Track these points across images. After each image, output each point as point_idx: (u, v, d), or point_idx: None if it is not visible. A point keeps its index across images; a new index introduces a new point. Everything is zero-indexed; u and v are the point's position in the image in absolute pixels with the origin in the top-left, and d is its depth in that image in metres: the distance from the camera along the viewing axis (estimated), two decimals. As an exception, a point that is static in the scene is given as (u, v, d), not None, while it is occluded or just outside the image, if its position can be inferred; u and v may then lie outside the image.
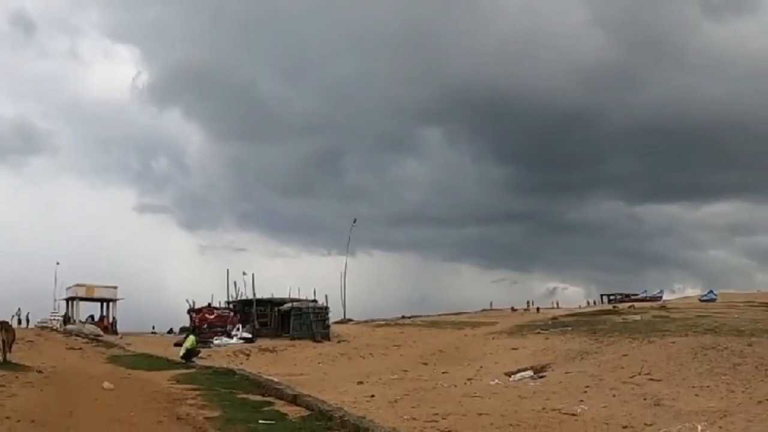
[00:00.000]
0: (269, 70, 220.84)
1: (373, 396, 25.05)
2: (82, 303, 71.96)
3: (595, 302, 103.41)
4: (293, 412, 18.07)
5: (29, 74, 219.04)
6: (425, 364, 40.34)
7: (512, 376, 30.88)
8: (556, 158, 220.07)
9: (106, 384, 23.66)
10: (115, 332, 64.11)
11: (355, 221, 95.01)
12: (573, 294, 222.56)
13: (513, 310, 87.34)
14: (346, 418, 15.79)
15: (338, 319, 71.74)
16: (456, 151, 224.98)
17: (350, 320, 76.93)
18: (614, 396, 23.12)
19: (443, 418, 19.42)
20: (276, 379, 26.76)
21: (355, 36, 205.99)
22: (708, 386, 23.08)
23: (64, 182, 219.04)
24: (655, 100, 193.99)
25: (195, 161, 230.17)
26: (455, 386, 28.44)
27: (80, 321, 67.29)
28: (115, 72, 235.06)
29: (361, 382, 31.04)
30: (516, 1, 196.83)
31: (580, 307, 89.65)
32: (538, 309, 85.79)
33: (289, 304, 58.82)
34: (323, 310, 59.44)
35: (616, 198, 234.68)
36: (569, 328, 44.25)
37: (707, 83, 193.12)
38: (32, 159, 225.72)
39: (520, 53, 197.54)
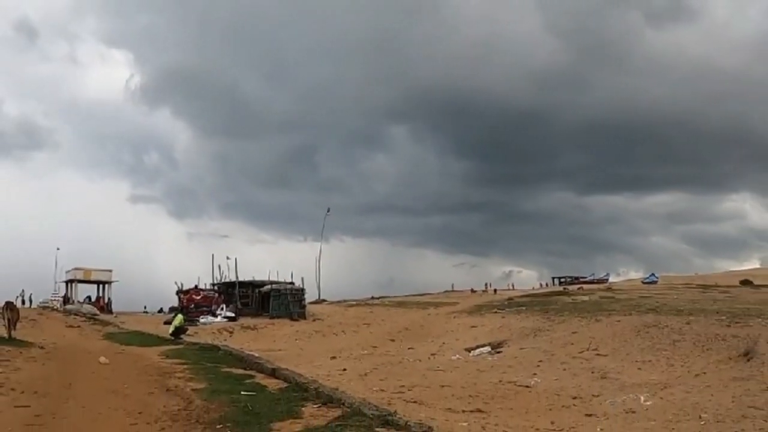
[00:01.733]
0: (250, 72, 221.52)
1: (345, 369, 25.00)
2: (80, 285, 71.73)
3: (547, 284, 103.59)
4: (272, 384, 17.97)
5: (32, 76, 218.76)
6: (393, 340, 40.36)
7: (472, 351, 30.87)
8: (511, 153, 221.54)
9: (102, 359, 23.50)
10: (110, 312, 63.69)
11: (328, 210, 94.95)
12: (527, 277, 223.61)
13: (472, 291, 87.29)
14: (320, 390, 15.70)
15: (313, 299, 71.62)
16: (420, 147, 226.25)
17: (324, 300, 76.81)
18: (565, 370, 23.18)
19: (409, 390, 19.39)
20: (257, 355, 26.66)
21: (328, 42, 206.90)
22: (650, 361, 23.17)
23: (64, 175, 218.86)
24: (602, 100, 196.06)
25: (183, 156, 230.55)
26: (420, 361, 28.44)
27: (78, 301, 66.91)
28: (111, 74, 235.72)
29: (334, 357, 30.99)
30: (475, 11, 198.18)
31: (533, 288, 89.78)
32: (495, 290, 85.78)
33: (269, 286, 58.82)
34: (300, 292, 59.45)
35: (566, 189, 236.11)
36: (524, 308, 44.30)
37: (649, 85, 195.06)
38: (35, 154, 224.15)
39: (479, 57, 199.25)
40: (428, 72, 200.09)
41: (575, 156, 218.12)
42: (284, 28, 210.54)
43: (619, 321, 31.34)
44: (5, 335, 28.31)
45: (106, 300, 70.02)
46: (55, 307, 62.70)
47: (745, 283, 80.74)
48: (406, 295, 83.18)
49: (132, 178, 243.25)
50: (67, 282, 72.11)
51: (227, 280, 62.24)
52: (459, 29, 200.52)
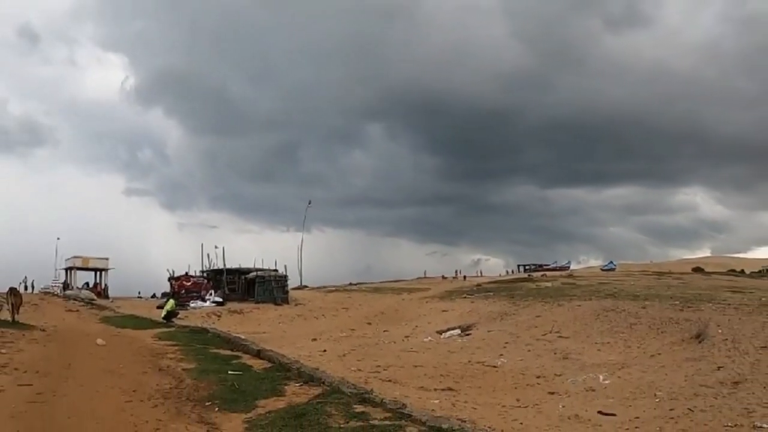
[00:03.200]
0: (237, 74, 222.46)
1: (325, 351, 24.98)
2: (78, 272, 71.45)
3: (513, 271, 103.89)
4: (257, 364, 17.96)
5: (34, 78, 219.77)
6: (369, 323, 40.34)
7: (443, 334, 30.87)
8: (479, 149, 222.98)
9: (99, 341, 23.42)
10: (107, 297, 63.37)
11: (310, 203, 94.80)
12: (494, 264, 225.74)
13: (443, 278, 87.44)
14: (302, 369, 15.71)
15: (296, 285, 71.45)
16: (395, 144, 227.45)
17: (306, 286, 76.69)
18: (529, 351, 23.22)
19: (384, 369, 19.40)
20: (243, 337, 26.60)
21: (310, 46, 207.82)
22: (608, 342, 23.26)
23: (64, 170, 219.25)
24: (564, 101, 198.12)
25: (174, 152, 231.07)
26: (394, 342, 28.43)
27: (77, 287, 66.48)
28: (107, 76, 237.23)
29: (315, 339, 30.96)
30: (447, 17, 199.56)
31: (500, 275, 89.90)
32: (464, 277, 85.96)
33: (254, 273, 58.71)
34: (283, 278, 59.33)
35: (530, 183, 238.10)
36: (491, 294, 44.34)
37: (608, 86, 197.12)
38: (36, 150, 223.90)
39: (450, 61, 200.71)
40: (403, 74, 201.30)
41: (539, 152, 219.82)
42: (269, 33, 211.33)
43: (579, 306, 31.43)
44: (9, 319, 28.16)
45: (103, 286, 69.71)
46: (55, 293, 62.36)
47: (697, 270, 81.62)
48: (382, 282, 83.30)
49: (127, 172, 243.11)
50: (66, 269, 71.79)
51: (215, 267, 62.03)
52: (432, 35, 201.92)
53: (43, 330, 27.07)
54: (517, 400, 15.05)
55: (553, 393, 15.92)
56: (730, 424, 11.60)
